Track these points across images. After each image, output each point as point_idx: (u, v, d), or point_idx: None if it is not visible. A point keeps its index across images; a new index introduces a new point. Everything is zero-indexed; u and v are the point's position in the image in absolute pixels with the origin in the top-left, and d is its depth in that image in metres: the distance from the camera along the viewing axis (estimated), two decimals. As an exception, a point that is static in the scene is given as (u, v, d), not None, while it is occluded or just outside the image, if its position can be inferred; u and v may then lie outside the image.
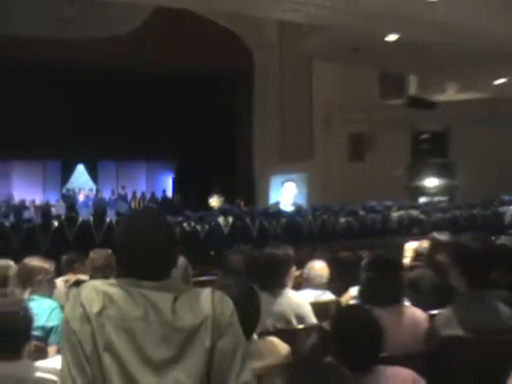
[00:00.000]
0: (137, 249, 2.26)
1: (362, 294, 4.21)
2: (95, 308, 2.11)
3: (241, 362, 2.21)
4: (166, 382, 2.11)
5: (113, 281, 2.23)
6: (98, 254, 5.68)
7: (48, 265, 4.75)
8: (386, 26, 12.83)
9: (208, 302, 2.23)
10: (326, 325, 4.48)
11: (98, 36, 19.03)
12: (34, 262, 4.71)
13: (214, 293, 2.27)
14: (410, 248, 7.83)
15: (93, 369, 2.09)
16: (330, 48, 16.66)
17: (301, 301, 4.78)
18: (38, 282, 4.58)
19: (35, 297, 4.44)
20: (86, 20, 16.85)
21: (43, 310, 4.29)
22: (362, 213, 17.58)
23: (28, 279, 4.59)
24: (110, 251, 5.88)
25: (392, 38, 13.99)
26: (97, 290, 2.16)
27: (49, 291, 4.74)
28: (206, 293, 2.27)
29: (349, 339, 3.01)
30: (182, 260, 4.53)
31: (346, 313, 3.29)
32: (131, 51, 20.22)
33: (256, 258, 4.66)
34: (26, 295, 4.44)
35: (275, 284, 4.63)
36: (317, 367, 1.55)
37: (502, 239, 4.67)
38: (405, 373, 2.97)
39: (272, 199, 23.88)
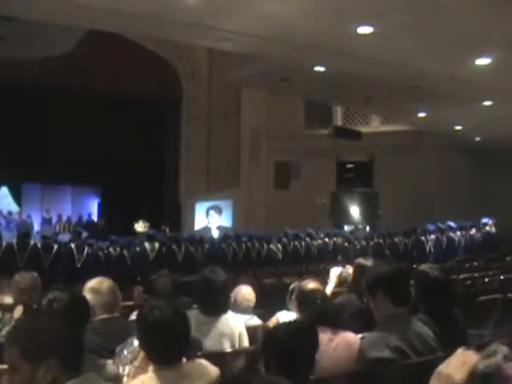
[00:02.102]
0: None
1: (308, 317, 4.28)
2: None
3: None
4: None
5: None
6: (23, 277, 5.62)
7: None
8: (314, 57, 13.04)
9: None
10: (254, 348, 4.56)
11: (28, 56, 18.79)
12: None
13: None
14: (334, 274, 7.93)
15: None
16: (258, 77, 16.82)
17: (239, 321, 4.95)
18: None
19: None
20: (18, 39, 16.61)
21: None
22: (285, 240, 17.75)
23: None
24: (35, 274, 5.80)
25: (320, 68, 14.24)
26: None
27: None
28: None
29: (287, 350, 3.05)
30: (109, 283, 4.53)
31: (284, 325, 3.34)
32: (62, 73, 20.03)
33: (209, 281, 4.73)
34: None
35: (222, 307, 4.78)
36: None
37: (423, 267, 4.79)
38: None
39: (197, 225, 23.85)
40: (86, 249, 13.82)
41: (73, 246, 13.82)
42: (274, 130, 23.72)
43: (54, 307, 3.18)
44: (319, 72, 14.55)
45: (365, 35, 10.78)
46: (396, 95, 16.17)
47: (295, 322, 3.46)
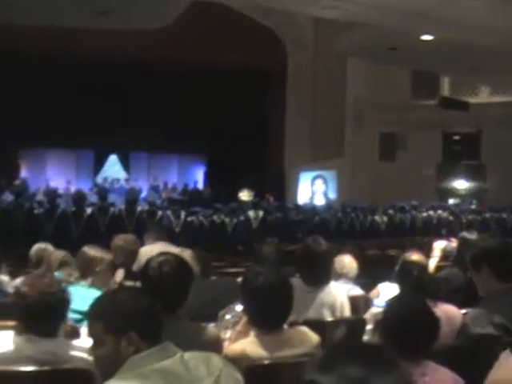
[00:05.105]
0: None
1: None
2: None
3: None
4: None
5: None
6: (123, 240, 5.75)
7: (107, 255, 4.83)
8: (422, 26, 12.76)
9: None
10: (355, 318, 4.58)
11: (133, 28, 19.13)
12: (94, 251, 4.77)
13: None
14: (439, 247, 7.82)
15: None
16: (364, 46, 16.62)
17: (341, 291, 4.93)
18: (96, 273, 4.66)
19: (93, 287, 4.53)
20: (122, 12, 16.95)
21: (89, 298, 4.34)
22: (390, 212, 17.58)
23: (88, 268, 4.67)
24: (135, 237, 5.97)
25: (428, 37, 13.93)
26: None
27: (106, 280, 4.82)
28: None
29: (411, 327, 3.02)
30: (200, 253, 4.65)
31: (398, 304, 3.30)
32: (166, 44, 20.28)
33: (311, 250, 4.74)
34: (86, 283, 4.56)
35: (323, 277, 4.74)
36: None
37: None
38: (448, 376, 2.97)
39: (301, 195, 23.88)
40: (183, 215, 14.16)
41: (169, 212, 14.19)
42: (379, 101, 23.37)
43: (164, 270, 3.27)
44: (426, 41, 14.24)
45: (475, 1, 10.46)
46: (506, 64, 15.62)
47: (410, 301, 3.37)
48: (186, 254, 4.69)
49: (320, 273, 4.69)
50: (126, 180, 23.28)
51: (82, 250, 4.80)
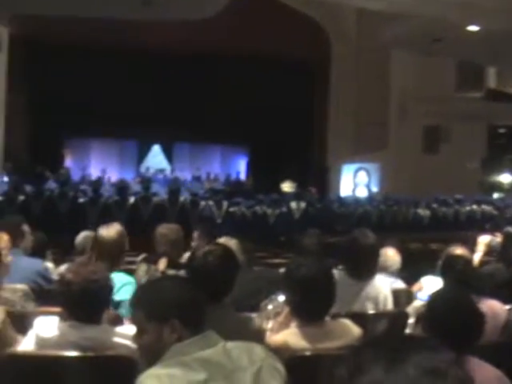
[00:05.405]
0: None
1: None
2: None
3: None
4: None
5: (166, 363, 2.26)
6: (167, 229, 5.75)
7: (123, 229, 4.82)
8: (469, 16, 12.59)
9: None
10: (397, 311, 4.54)
11: (175, 19, 19.18)
12: (111, 235, 4.72)
13: None
14: (483, 242, 7.72)
15: None
16: (409, 38, 16.45)
17: (385, 284, 4.87)
18: (119, 256, 4.67)
19: (118, 272, 4.54)
20: (164, 3, 17.03)
21: (121, 284, 4.35)
22: (434, 205, 17.42)
23: (120, 255, 4.69)
24: (178, 226, 5.97)
25: (474, 28, 13.74)
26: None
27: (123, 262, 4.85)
28: None
29: (456, 321, 2.96)
30: (245, 243, 4.65)
31: (454, 295, 3.24)
32: (208, 35, 20.31)
33: (358, 243, 4.69)
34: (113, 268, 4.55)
35: (369, 271, 4.67)
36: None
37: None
38: (492, 373, 2.91)
39: (343, 187, 23.80)
40: (226, 205, 14.20)
41: (211, 202, 14.25)
42: (423, 93, 23.12)
43: (209, 259, 3.30)
44: (473, 32, 14.04)
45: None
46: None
47: (455, 295, 3.32)
48: (232, 243, 4.71)
49: (366, 266, 4.62)
50: (172, 170, 23.38)
51: (103, 240, 4.71)
